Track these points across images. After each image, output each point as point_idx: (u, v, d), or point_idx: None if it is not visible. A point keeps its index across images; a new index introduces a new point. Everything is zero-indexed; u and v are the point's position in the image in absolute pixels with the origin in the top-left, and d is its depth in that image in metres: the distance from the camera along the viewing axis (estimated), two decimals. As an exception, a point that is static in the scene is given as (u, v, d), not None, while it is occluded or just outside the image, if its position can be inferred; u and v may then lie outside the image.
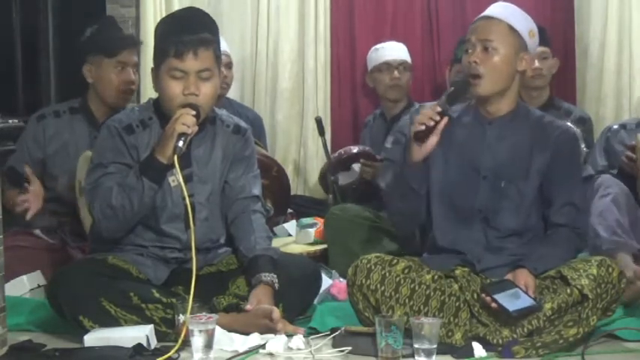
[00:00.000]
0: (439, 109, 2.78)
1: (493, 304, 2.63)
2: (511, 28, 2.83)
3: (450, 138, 2.89)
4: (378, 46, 4.59)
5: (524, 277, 2.67)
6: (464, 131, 2.91)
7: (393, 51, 4.57)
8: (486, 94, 2.84)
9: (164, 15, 4.66)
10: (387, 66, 4.50)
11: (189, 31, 2.83)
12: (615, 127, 3.71)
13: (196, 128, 2.81)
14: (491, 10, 2.90)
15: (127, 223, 2.89)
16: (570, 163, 2.88)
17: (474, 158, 2.87)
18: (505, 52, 2.82)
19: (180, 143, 2.75)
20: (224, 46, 4.57)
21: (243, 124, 3.10)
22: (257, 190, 3.07)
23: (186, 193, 2.78)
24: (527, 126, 2.89)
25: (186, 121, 2.77)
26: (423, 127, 2.76)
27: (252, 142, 3.11)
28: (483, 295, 2.67)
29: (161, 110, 2.94)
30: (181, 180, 2.77)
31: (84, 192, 2.93)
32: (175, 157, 2.76)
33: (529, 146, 2.86)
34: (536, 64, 3.92)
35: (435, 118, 2.77)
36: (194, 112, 2.80)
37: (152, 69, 2.94)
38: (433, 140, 2.78)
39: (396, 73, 4.48)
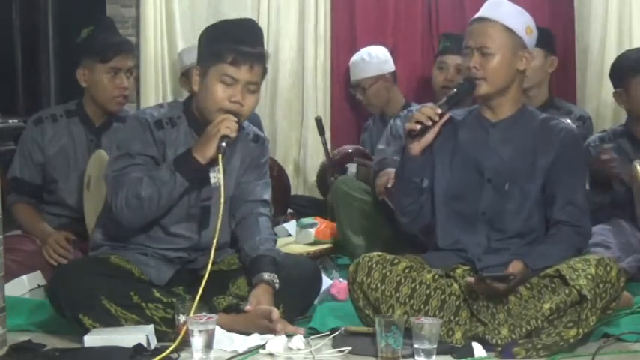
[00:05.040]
0: (439, 110, 2.79)
1: (472, 279, 2.65)
2: (506, 28, 2.82)
3: (454, 141, 2.90)
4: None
5: (513, 264, 2.68)
6: (467, 134, 2.91)
7: (352, 69, 4.61)
8: (486, 93, 2.85)
9: (164, 15, 4.69)
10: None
11: (249, 43, 2.86)
12: (595, 142, 3.69)
13: (236, 134, 2.84)
14: (485, 10, 2.88)
15: (149, 217, 2.88)
16: (573, 163, 2.87)
17: (477, 161, 2.87)
18: (502, 54, 2.82)
19: (224, 144, 2.79)
20: None
21: (261, 133, 3.15)
22: (267, 196, 3.10)
23: (222, 193, 2.80)
24: (531, 128, 2.88)
25: (230, 125, 2.80)
26: (419, 127, 2.78)
27: (268, 151, 3.16)
28: (469, 279, 2.68)
29: (190, 111, 2.96)
30: (222, 180, 2.80)
31: (106, 179, 2.92)
32: (220, 157, 2.79)
33: (532, 148, 2.86)
34: None
35: (434, 118, 2.79)
36: (236, 119, 2.83)
37: (195, 67, 2.94)
38: (431, 135, 2.80)
39: (357, 95, 4.53)
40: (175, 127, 2.94)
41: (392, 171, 3.70)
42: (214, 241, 2.76)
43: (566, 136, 2.87)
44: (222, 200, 2.80)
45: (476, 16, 2.89)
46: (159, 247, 2.93)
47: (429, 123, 2.79)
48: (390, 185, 3.61)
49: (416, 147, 2.83)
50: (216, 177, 2.86)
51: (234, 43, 2.85)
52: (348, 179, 4.08)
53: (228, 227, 3.04)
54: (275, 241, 3.07)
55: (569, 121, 3.53)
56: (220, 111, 2.84)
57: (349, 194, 3.90)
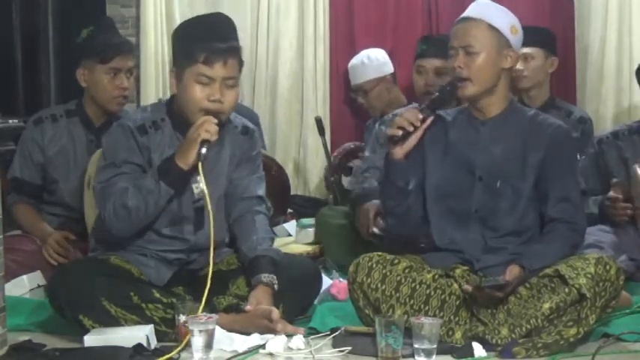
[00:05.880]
0: (421, 115, 2.79)
1: (469, 287, 2.66)
2: (491, 27, 2.82)
3: (445, 141, 2.90)
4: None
5: (510, 270, 2.68)
6: (458, 134, 2.91)
7: (352, 73, 4.60)
8: (473, 94, 2.85)
9: (164, 15, 4.69)
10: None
11: (219, 39, 2.83)
12: (608, 137, 3.67)
13: (217, 137, 2.80)
14: (470, 10, 2.88)
15: (139, 225, 2.87)
16: (564, 159, 2.87)
17: (468, 160, 2.87)
18: (487, 53, 2.82)
19: (204, 150, 2.76)
20: None
21: (250, 124, 3.10)
22: (261, 191, 3.07)
23: (209, 201, 2.77)
24: (521, 125, 2.89)
25: (210, 129, 2.77)
26: (400, 133, 2.78)
27: (258, 142, 3.12)
28: (466, 287, 2.68)
29: (174, 112, 2.94)
30: (205, 188, 2.77)
31: (95, 190, 2.92)
32: (200, 164, 2.76)
33: (523, 144, 2.86)
34: (517, 65, 3.88)
35: (415, 123, 2.79)
36: (216, 121, 2.80)
37: (171, 70, 2.93)
38: (414, 139, 2.80)
39: (359, 98, 4.53)
40: (160, 130, 2.92)
41: (373, 205, 3.65)
42: (211, 247, 2.74)
43: (555, 131, 2.88)
44: (209, 209, 2.77)
45: (460, 16, 2.90)
46: (157, 249, 2.93)
47: (411, 128, 2.79)
48: (373, 229, 3.59)
49: (399, 151, 2.82)
50: (199, 187, 2.83)
51: (205, 41, 2.82)
52: (330, 208, 4.04)
53: (225, 224, 3.02)
54: (272, 240, 3.06)
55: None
56: (201, 112, 2.82)
57: (326, 222, 3.86)
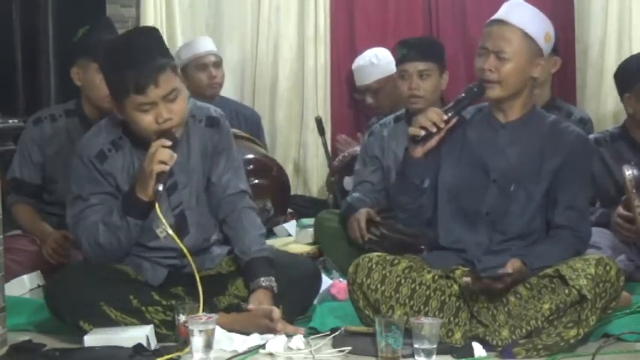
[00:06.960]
0: (445, 116, 2.75)
1: (467, 279, 2.64)
2: (526, 35, 2.77)
3: (462, 140, 2.87)
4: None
5: (512, 262, 2.67)
6: (476, 134, 2.87)
7: (359, 74, 4.61)
8: (498, 97, 2.81)
9: (164, 15, 4.69)
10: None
11: (142, 62, 2.68)
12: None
13: (175, 157, 2.71)
14: (507, 13, 2.81)
15: (117, 255, 2.85)
16: (580, 168, 2.85)
17: (484, 161, 2.84)
18: (519, 61, 2.77)
19: (160, 187, 2.68)
20: (210, 45, 4.58)
21: (214, 113, 2.97)
22: (243, 184, 3.00)
23: (178, 240, 2.74)
24: (540, 130, 2.86)
25: (163, 158, 2.68)
26: (422, 133, 2.74)
27: (228, 131, 3.00)
28: (466, 279, 2.66)
29: (130, 129, 2.83)
30: (170, 230, 2.73)
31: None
32: (157, 206, 2.69)
33: (540, 150, 2.83)
34: None
35: (439, 124, 2.73)
36: (170, 143, 2.71)
37: (112, 98, 2.81)
38: (435, 140, 2.76)
39: (367, 98, 4.52)
40: (120, 150, 2.84)
41: (362, 214, 3.61)
42: (192, 264, 2.74)
43: (576, 139, 2.85)
44: (181, 246, 2.74)
45: (496, 17, 2.82)
46: (150, 256, 2.90)
47: (434, 129, 2.73)
48: (366, 239, 3.57)
49: (419, 151, 2.77)
50: (163, 231, 2.77)
51: (128, 69, 2.68)
52: (327, 211, 4.03)
53: (211, 221, 2.98)
54: (264, 236, 3.02)
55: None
56: (155, 133, 2.73)
57: (321, 224, 3.83)
